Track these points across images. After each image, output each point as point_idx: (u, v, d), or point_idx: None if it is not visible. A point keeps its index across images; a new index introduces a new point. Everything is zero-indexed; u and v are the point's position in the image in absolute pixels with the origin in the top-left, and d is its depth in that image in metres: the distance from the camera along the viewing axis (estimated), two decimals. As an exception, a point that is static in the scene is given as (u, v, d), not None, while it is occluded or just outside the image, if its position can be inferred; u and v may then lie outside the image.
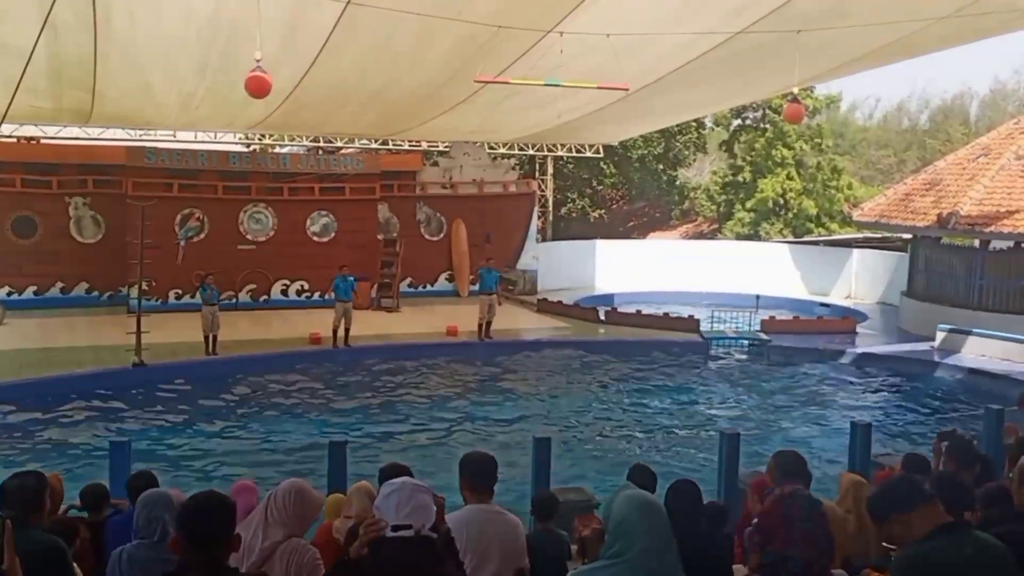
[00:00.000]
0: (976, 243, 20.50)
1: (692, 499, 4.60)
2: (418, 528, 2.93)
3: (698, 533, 4.41)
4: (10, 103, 11.02)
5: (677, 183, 37.92)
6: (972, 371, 17.26)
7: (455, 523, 4.00)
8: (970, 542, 2.96)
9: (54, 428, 13.15)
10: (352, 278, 18.23)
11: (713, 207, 36.77)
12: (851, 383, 17.56)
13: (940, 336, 19.02)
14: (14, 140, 21.93)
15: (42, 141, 22.29)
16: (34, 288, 21.23)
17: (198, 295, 17.47)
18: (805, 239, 31.42)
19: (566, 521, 7.23)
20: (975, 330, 18.66)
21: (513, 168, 26.83)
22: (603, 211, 37.57)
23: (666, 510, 3.23)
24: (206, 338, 16.78)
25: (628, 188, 38.56)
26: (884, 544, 3.27)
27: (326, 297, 19.77)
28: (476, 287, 21.17)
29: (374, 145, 25.66)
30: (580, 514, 7.62)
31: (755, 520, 3.94)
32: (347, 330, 17.89)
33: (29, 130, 21.84)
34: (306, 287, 22.65)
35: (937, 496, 3.18)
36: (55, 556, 3.69)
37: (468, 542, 3.90)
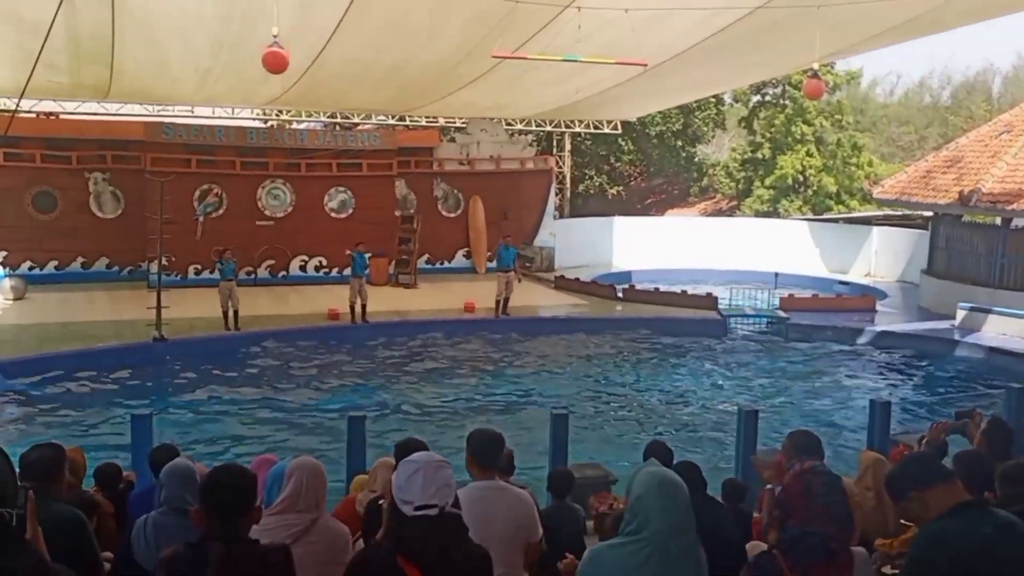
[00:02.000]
0: (998, 221, 20.30)
1: (691, 483, 4.59)
2: (443, 506, 2.92)
3: (706, 511, 4.41)
4: (29, 78, 11.07)
5: (696, 160, 37.69)
6: (993, 349, 17.13)
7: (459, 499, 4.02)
8: (989, 520, 2.95)
9: (75, 402, 13.28)
10: (365, 254, 18.27)
11: (732, 184, 36.56)
12: (870, 361, 17.48)
13: (960, 314, 18.89)
14: (33, 116, 22.03)
15: (61, 116, 22.38)
16: (55, 263, 21.40)
17: (216, 270, 17.53)
18: (825, 216, 31.21)
19: (583, 497, 7.26)
20: (996, 308, 18.51)
21: (530, 144, 26.74)
22: (621, 188, 37.41)
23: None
24: (224, 313, 16.86)
25: (646, 165, 38.36)
26: (902, 522, 3.27)
27: (344, 273, 19.80)
28: (493, 264, 21.16)
29: (391, 121, 25.62)
30: (596, 491, 7.65)
31: (776, 495, 3.94)
32: (364, 306, 17.95)
33: (48, 106, 21.93)
34: (324, 263, 22.71)
35: (957, 474, 3.16)
36: (75, 527, 3.72)
37: (472, 519, 3.91)
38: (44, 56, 12.88)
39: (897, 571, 3.96)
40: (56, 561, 2.74)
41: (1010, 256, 19.78)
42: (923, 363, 17.21)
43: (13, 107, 17.32)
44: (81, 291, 20.26)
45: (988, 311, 18.53)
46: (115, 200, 21.72)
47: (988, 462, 4.14)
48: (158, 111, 22.82)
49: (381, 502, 4.29)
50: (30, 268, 21.04)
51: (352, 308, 17.95)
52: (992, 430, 5.02)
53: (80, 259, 21.62)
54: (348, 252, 18.34)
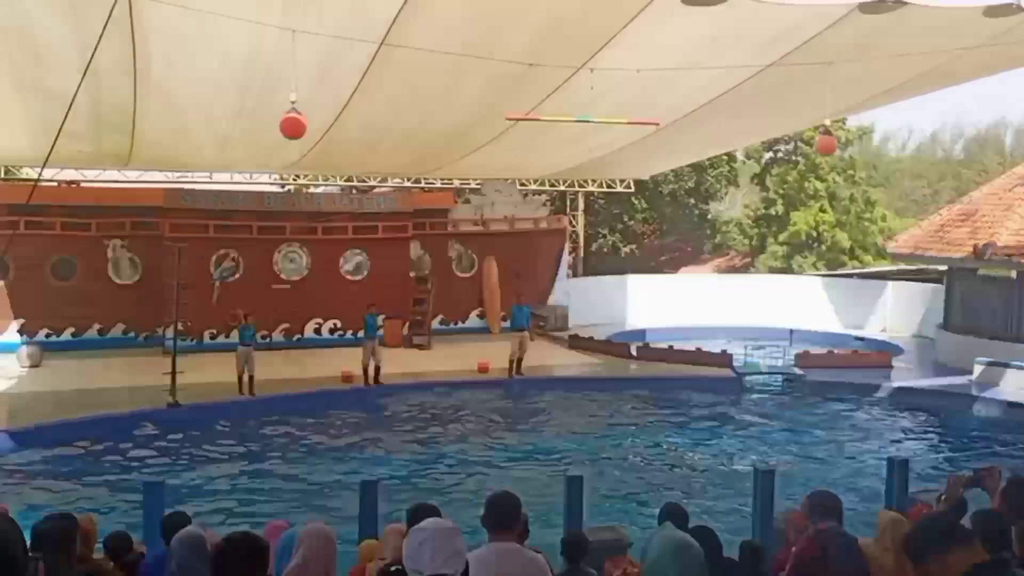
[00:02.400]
0: (1013, 274, 20.21)
1: (707, 548, 4.54)
2: (453, 575, 2.91)
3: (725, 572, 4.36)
4: (52, 148, 11.28)
5: (709, 217, 37.89)
6: (1011, 404, 16.94)
7: (473, 563, 3.99)
8: (1011, 582, 2.90)
9: (88, 469, 13.26)
10: (376, 316, 18.34)
11: (745, 241, 36.67)
12: (888, 418, 17.30)
13: (978, 369, 18.72)
14: (55, 184, 22.38)
15: (82, 185, 22.71)
16: (72, 330, 21.53)
17: (236, 334, 17.57)
18: (839, 272, 31.16)
19: (598, 561, 7.17)
20: (1014, 363, 18.34)
21: (544, 204, 26.92)
22: (634, 246, 37.54)
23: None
24: (240, 378, 16.89)
25: (659, 223, 38.54)
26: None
27: (358, 335, 19.87)
28: (507, 324, 21.17)
29: (407, 184, 25.89)
30: (611, 555, 7.55)
31: (791, 561, 3.89)
32: (377, 368, 17.95)
33: (69, 174, 22.28)
34: (339, 325, 22.77)
35: (976, 535, 3.12)
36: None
37: None
38: (66, 126, 13.13)
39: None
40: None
41: (1027, 310, 19.66)
42: (941, 419, 17.04)
43: (36, 176, 17.61)
44: (97, 358, 20.32)
45: (1006, 365, 18.36)
46: (132, 266, 21.92)
47: (1006, 521, 4.07)
48: (177, 177, 23.13)
49: (394, 568, 4.26)
50: (47, 335, 21.17)
51: (365, 370, 17.95)
52: (1011, 488, 4.95)
53: (97, 326, 21.74)
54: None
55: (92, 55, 9.45)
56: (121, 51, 11.90)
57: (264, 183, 25.56)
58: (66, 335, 21.45)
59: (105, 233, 21.63)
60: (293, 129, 11.19)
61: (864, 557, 4.03)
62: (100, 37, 9.03)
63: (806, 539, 3.59)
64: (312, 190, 27.68)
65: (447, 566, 2.91)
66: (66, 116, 9.46)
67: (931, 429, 16.69)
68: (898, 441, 15.80)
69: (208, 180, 23.38)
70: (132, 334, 21.93)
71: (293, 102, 11.01)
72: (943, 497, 5.29)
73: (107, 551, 6.21)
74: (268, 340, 21.40)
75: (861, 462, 14.27)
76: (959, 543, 3.05)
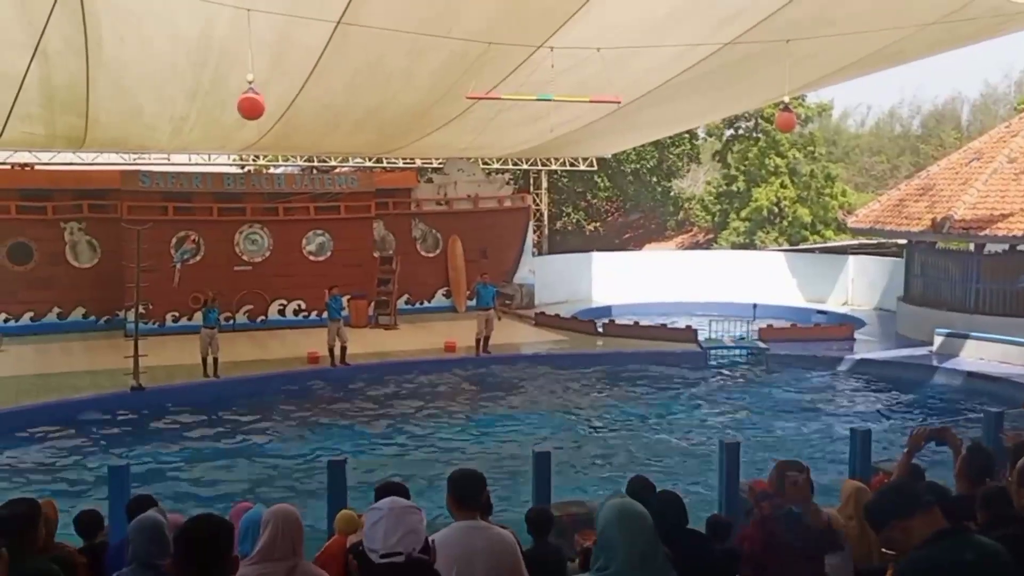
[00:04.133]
0: (971, 247, 20.53)
1: (672, 513, 4.55)
2: (408, 552, 2.90)
3: (692, 545, 4.38)
4: (2, 130, 11.06)
5: (671, 194, 38.01)
6: (971, 374, 17.25)
7: (439, 542, 3.98)
8: (972, 547, 2.94)
9: (53, 454, 13.11)
10: (340, 297, 18.26)
11: (708, 217, 36.86)
12: (850, 389, 17.56)
13: (938, 340, 19.03)
14: (8, 167, 21.95)
15: (36, 167, 22.30)
16: (31, 314, 21.20)
17: (200, 317, 17.38)
18: (800, 247, 31.47)
19: (569, 535, 7.20)
20: (973, 334, 18.67)
21: (507, 183, 26.88)
22: (598, 224, 37.63)
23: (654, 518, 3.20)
24: (204, 360, 16.74)
25: (623, 200, 38.63)
26: (884, 551, 3.26)
27: (323, 316, 19.77)
28: (473, 302, 21.16)
29: (368, 163, 25.71)
30: (581, 529, 7.59)
31: (744, 552, 3.91)
32: (343, 348, 17.88)
33: (23, 157, 21.86)
34: (303, 306, 22.62)
35: (936, 502, 3.16)
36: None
37: (453, 560, 3.87)
38: (18, 107, 12.88)
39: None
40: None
41: (985, 282, 19.99)
42: (902, 390, 17.30)
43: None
44: (58, 342, 20.07)
45: (965, 336, 18.69)
46: (91, 249, 21.61)
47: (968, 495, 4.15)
48: (134, 159, 22.77)
49: (363, 547, 4.25)
50: (5, 320, 20.84)
51: (331, 351, 17.87)
52: (972, 455, 5.04)
53: (56, 309, 21.43)
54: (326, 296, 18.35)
55: (41, 34, 9.25)
56: (71, 30, 11.65)
57: (223, 164, 25.23)
58: (25, 319, 21.12)
59: (62, 216, 21.29)
60: (251, 110, 11.05)
61: (811, 528, 4.07)
62: (49, 15, 8.85)
63: (751, 527, 3.62)
64: (272, 171, 27.39)
65: (401, 544, 2.90)
66: (16, 97, 9.25)
67: (893, 399, 16.96)
68: (860, 411, 16.03)
69: (166, 162, 23.06)
70: (92, 318, 21.65)
71: (250, 82, 10.87)
72: (906, 451, 5.37)
73: (78, 529, 6.13)
74: (232, 322, 21.22)
75: (823, 433, 14.46)
76: (920, 510, 3.08)
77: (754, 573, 3.08)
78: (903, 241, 22.62)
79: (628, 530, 3.05)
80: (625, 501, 3.27)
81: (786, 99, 14.22)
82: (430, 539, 3.22)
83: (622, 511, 3.15)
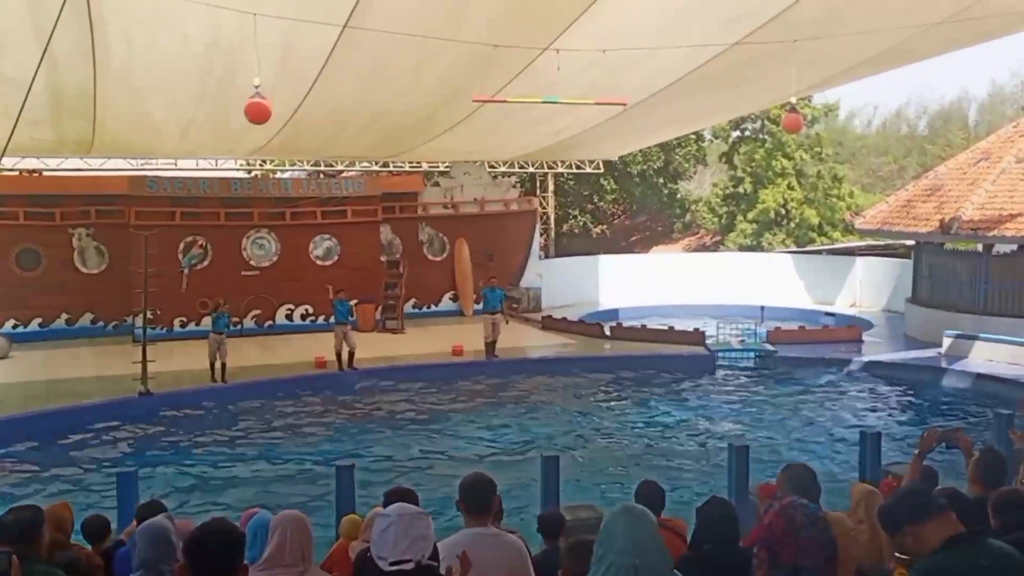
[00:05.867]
0: (980, 247, 20.45)
1: (653, 501, 4.54)
2: (418, 560, 2.89)
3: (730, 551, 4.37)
4: (11, 135, 11.07)
5: (678, 196, 37.97)
6: (980, 376, 17.16)
7: (448, 549, 3.97)
8: (986, 552, 2.92)
9: (61, 460, 13.11)
10: (347, 301, 18.27)
11: (715, 219, 36.81)
12: (859, 392, 17.48)
13: (947, 342, 18.95)
14: (16, 173, 22.02)
15: (44, 173, 22.37)
16: (39, 320, 21.25)
17: (209, 322, 17.37)
18: (808, 248, 31.40)
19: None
20: (982, 335, 18.59)
21: (514, 186, 26.88)
22: (605, 226, 37.60)
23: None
24: (212, 365, 16.75)
25: (629, 203, 38.59)
26: (897, 555, 3.23)
27: (330, 321, 19.79)
28: (480, 306, 21.15)
29: (375, 167, 25.74)
30: (589, 533, 7.56)
31: (760, 537, 3.89)
32: (351, 353, 17.88)
33: (31, 163, 21.92)
34: (310, 311, 22.63)
35: (950, 506, 3.14)
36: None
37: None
38: (26, 112, 12.88)
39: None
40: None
41: (994, 282, 19.89)
42: (912, 392, 17.24)
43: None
44: (66, 348, 20.11)
45: (974, 338, 18.60)
46: (99, 255, 21.65)
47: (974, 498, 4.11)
48: (141, 164, 22.83)
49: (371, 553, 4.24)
50: (14, 327, 20.88)
51: (338, 356, 17.87)
52: (984, 459, 5.00)
53: (65, 315, 21.48)
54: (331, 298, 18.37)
55: (49, 37, 9.26)
56: (79, 34, 11.66)
57: (230, 169, 25.29)
58: (33, 326, 21.16)
59: (69, 222, 21.34)
60: (257, 114, 11.07)
61: (829, 528, 4.05)
62: (57, 20, 8.86)
63: (772, 513, 3.60)
64: (279, 175, 27.42)
65: (410, 551, 2.89)
66: (24, 101, 9.26)
67: (902, 402, 16.89)
68: (869, 413, 15.97)
69: (173, 167, 23.11)
70: (100, 323, 21.70)
71: (257, 86, 10.88)
72: (917, 453, 5.33)
73: (85, 535, 6.14)
74: (240, 327, 21.24)
75: (832, 436, 14.40)
76: (934, 515, 3.06)
77: (768, 557, 3.06)
78: (911, 242, 22.54)
79: (625, 524, 3.04)
80: (629, 504, 3.27)
81: (793, 100, 14.18)
82: (436, 544, 3.22)
83: (626, 507, 3.16)
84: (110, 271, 21.44)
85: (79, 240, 21.54)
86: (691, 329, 21.01)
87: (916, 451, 5.60)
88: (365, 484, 9.57)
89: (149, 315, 17.14)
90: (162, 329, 20.35)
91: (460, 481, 4.25)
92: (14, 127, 10.53)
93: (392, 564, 2.86)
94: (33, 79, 10.64)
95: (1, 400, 15.53)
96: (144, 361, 15.59)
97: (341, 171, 26.39)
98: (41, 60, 10.01)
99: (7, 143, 11.50)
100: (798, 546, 3.03)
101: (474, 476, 4.31)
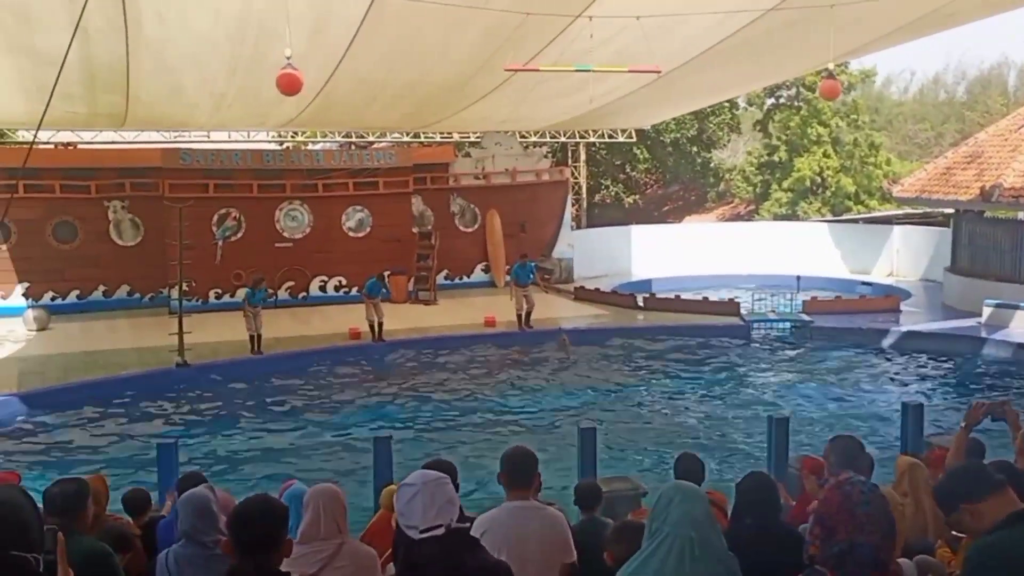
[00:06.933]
0: (1021, 215, 20.06)
1: (764, 489, 4.47)
2: (447, 524, 2.89)
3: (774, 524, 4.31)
4: (46, 109, 11.11)
5: (712, 165, 37.51)
6: (1021, 346, 16.88)
7: (490, 522, 3.94)
8: (1048, 529, 2.83)
9: (100, 431, 13.29)
10: (379, 279, 18.39)
11: (749, 188, 36.39)
12: (898, 362, 17.26)
13: (987, 311, 18.63)
14: (51, 147, 22.18)
15: (79, 147, 22.53)
16: (77, 292, 21.49)
17: (240, 293, 17.46)
18: (844, 217, 30.99)
19: (614, 511, 7.15)
20: (1023, 304, 18.26)
21: (545, 156, 26.70)
22: (637, 196, 37.29)
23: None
24: (251, 337, 16.85)
25: (662, 172, 38.24)
26: (954, 533, 3.15)
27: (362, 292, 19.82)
28: (510, 277, 21.08)
29: (406, 138, 25.67)
30: (627, 504, 7.53)
31: (813, 512, 3.82)
32: (380, 324, 17.90)
33: (65, 136, 22.09)
34: (344, 282, 22.70)
35: (1007, 482, 3.05)
36: (102, 561, 3.68)
37: (504, 540, 3.84)
38: (60, 87, 12.93)
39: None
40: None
41: (1035, 251, 19.53)
42: (952, 362, 17.01)
43: (31, 139, 17.42)
44: (103, 319, 20.34)
45: (1016, 307, 18.28)
46: (134, 228, 21.82)
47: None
48: (175, 137, 22.94)
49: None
50: (52, 299, 21.14)
51: (371, 326, 17.93)
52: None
53: (102, 287, 21.70)
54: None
55: (81, 12, 9.25)
56: (112, 7, 11.67)
57: (262, 141, 25.34)
58: (71, 298, 21.41)
59: (105, 195, 21.50)
60: (289, 85, 10.99)
61: (887, 504, 3.97)
62: (90, -6, 8.84)
63: (828, 489, 3.52)
64: (310, 147, 27.43)
65: (440, 517, 2.89)
66: (58, 76, 9.27)
67: (941, 372, 16.66)
68: (909, 386, 15.76)
69: (205, 139, 23.19)
70: (137, 295, 21.90)
71: (288, 58, 10.81)
72: (963, 425, 5.21)
73: (126, 509, 6.20)
74: (274, 299, 21.35)
75: (873, 407, 14.25)
76: (992, 492, 2.97)
77: (823, 533, 3.00)
78: (949, 210, 22.16)
79: (686, 498, 3.00)
80: (682, 482, 3.23)
81: (830, 66, 13.89)
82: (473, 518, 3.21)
83: (678, 485, 3.12)
84: (145, 243, 21.60)
85: (114, 213, 21.70)
86: (726, 299, 20.82)
87: (962, 423, 5.48)
88: (402, 454, 9.60)
89: (184, 287, 17.26)
90: (197, 301, 20.50)
91: (503, 453, 4.21)
92: (48, 101, 10.55)
93: (423, 532, 2.86)
94: (66, 55, 10.64)
95: (41, 371, 15.75)
96: (180, 332, 15.72)
97: (372, 142, 26.35)
98: (73, 36, 10.00)
99: (42, 117, 11.56)
100: (856, 523, 2.94)
101: (517, 448, 4.27)
